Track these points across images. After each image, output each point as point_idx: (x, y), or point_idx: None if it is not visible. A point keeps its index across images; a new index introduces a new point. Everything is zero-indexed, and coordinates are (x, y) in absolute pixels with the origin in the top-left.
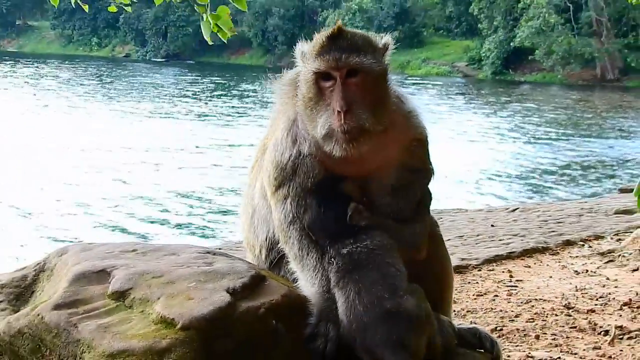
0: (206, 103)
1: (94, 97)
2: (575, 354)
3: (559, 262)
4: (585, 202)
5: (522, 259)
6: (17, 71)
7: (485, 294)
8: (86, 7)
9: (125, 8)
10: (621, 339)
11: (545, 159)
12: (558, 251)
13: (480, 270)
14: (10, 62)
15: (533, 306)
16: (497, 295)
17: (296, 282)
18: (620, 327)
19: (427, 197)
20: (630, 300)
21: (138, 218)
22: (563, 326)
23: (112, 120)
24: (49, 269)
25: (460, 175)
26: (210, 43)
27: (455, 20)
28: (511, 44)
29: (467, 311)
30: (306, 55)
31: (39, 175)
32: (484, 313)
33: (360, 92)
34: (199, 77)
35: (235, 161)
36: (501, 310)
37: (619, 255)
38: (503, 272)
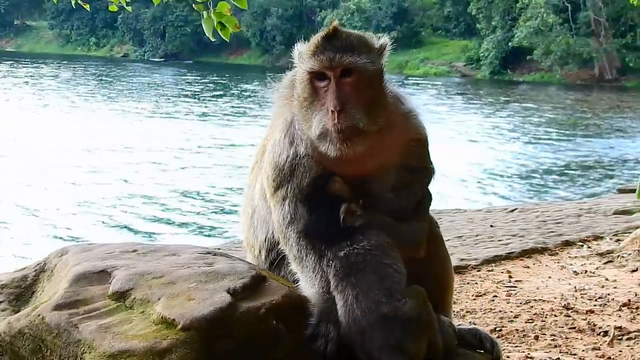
0: (206, 103)
1: (94, 96)
2: (575, 354)
3: (558, 262)
4: (584, 202)
5: (521, 260)
6: (16, 71)
7: (484, 294)
8: (87, 7)
9: (126, 7)
10: (620, 339)
11: (545, 158)
12: (557, 252)
13: (479, 270)
14: (9, 62)
15: (532, 307)
16: (496, 296)
17: (297, 282)
18: (620, 327)
19: (427, 197)
20: (629, 300)
21: (142, 217)
22: (562, 327)
23: (112, 120)
24: (49, 269)
25: (460, 174)
26: (212, 40)
27: (454, 20)
28: (509, 43)
29: (467, 311)
30: (302, 56)
31: (42, 175)
32: (483, 313)
33: (355, 92)
34: (198, 77)
35: (237, 161)
36: (500, 311)
37: (618, 255)
38: (502, 272)
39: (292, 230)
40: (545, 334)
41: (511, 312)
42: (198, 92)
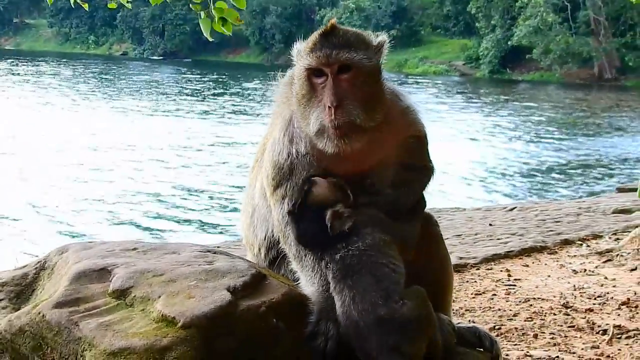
0: (207, 101)
1: (95, 95)
2: (574, 353)
3: (557, 261)
4: (584, 201)
5: (520, 258)
6: (16, 69)
7: (483, 292)
8: (86, 6)
9: (125, 5)
10: (619, 338)
11: (545, 157)
12: (556, 250)
13: (478, 269)
14: (9, 60)
15: (531, 305)
16: (495, 294)
17: (297, 281)
18: (619, 326)
19: (422, 202)
20: (628, 299)
21: (145, 215)
22: (561, 325)
23: (113, 118)
24: (50, 267)
25: (461, 172)
26: (210, 39)
27: (453, 19)
28: (509, 42)
29: (466, 310)
30: (300, 53)
31: (43, 173)
32: (483, 312)
33: (352, 88)
34: (198, 75)
35: (239, 159)
36: (499, 309)
37: (617, 254)
38: (501, 271)
39: (291, 229)
40: (544, 333)
41: (510, 310)
42: (198, 90)
